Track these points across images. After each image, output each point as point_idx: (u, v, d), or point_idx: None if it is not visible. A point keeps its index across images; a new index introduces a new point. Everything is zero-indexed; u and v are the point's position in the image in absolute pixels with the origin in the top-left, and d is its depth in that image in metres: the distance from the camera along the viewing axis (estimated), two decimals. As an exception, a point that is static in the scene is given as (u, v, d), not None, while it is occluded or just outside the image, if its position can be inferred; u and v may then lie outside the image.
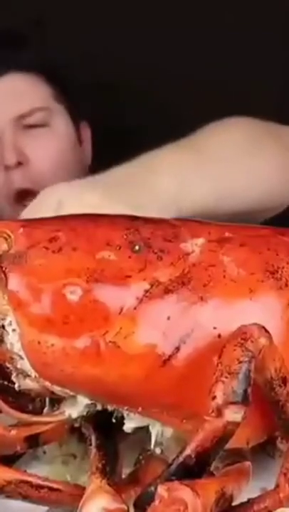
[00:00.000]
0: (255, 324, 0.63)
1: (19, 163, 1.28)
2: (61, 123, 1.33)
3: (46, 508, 0.67)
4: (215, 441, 0.59)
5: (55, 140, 1.32)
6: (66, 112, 1.34)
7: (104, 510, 0.60)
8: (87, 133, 1.41)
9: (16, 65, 1.31)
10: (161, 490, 0.57)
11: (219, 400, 0.60)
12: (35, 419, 0.69)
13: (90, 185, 0.91)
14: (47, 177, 1.25)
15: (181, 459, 0.60)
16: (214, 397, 0.60)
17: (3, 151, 1.28)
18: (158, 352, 0.65)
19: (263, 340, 0.62)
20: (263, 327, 0.63)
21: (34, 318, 0.66)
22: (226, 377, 0.60)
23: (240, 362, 0.60)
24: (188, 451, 0.59)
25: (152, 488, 0.59)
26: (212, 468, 0.62)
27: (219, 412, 0.59)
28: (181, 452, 0.60)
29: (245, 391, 0.60)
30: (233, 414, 0.59)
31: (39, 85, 1.33)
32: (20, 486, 0.65)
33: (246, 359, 0.61)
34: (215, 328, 0.65)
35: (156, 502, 0.57)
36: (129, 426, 0.68)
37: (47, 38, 1.41)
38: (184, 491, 0.57)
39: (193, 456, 0.59)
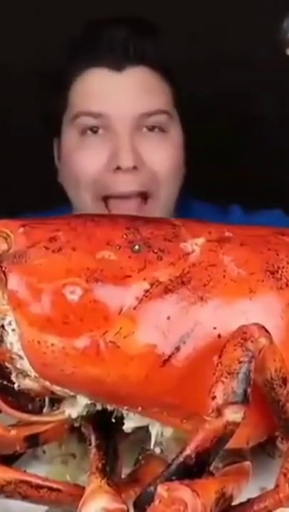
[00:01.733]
0: (255, 324, 0.63)
1: (134, 167, 1.19)
2: (177, 130, 1.26)
3: (46, 507, 0.67)
4: (215, 441, 0.59)
5: (171, 147, 1.24)
6: (179, 120, 1.27)
7: (103, 510, 0.60)
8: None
9: (149, 60, 1.22)
10: (161, 490, 0.57)
11: (219, 400, 0.60)
12: (34, 418, 0.69)
13: None
14: (160, 182, 1.21)
15: (181, 458, 0.59)
16: (214, 397, 0.60)
17: (119, 150, 1.19)
18: (158, 352, 0.65)
19: (263, 340, 0.62)
20: (263, 327, 0.63)
21: (34, 318, 0.66)
22: (226, 377, 0.60)
23: (240, 362, 0.60)
24: (188, 451, 0.59)
25: (152, 488, 0.59)
26: (212, 468, 0.62)
27: (219, 412, 0.59)
28: (181, 452, 0.60)
29: (245, 391, 0.60)
30: (233, 414, 0.59)
31: (164, 85, 1.24)
32: (20, 485, 0.64)
33: (246, 359, 0.61)
34: (215, 328, 0.65)
35: (156, 502, 0.57)
36: (128, 426, 0.68)
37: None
38: (183, 491, 0.57)
39: (193, 456, 0.59)
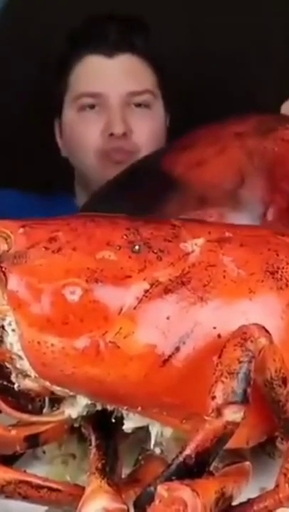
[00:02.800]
0: (255, 324, 0.63)
1: (124, 134, 1.47)
2: (160, 107, 1.53)
3: (46, 508, 0.67)
4: (215, 441, 0.59)
5: (154, 121, 1.52)
6: (162, 99, 1.53)
7: (104, 510, 0.60)
8: (167, 123, 1.58)
9: (133, 48, 1.50)
10: (161, 490, 0.57)
11: (219, 400, 0.60)
12: (34, 419, 0.69)
13: None
14: (143, 147, 1.46)
15: (180, 458, 0.59)
16: (214, 397, 0.60)
17: (112, 121, 1.47)
18: (158, 352, 0.65)
19: (263, 341, 0.62)
20: (263, 327, 0.63)
21: (34, 318, 0.66)
22: (226, 377, 0.60)
23: (240, 362, 0.60)
24: (188, 451, 0.59)
25: (152, 488, 0.59)
26: (212, 468, 0.62)
27: (219, 412, 0.59)
28: (180, 452, 0.60)
29: (245, 391, 0.60)
30: (233, 414, 0.59)
31: (148, 70, 1.52)
32: (20, 486, 0.64)
33: (246, 359, 0.61)
34: (215, 328, 0.65)
35: (156, 502, 0.57)
36: (128, 426, 0.68)
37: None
38: (183, 491, 0.57)
39: (193, 456, 0.59)
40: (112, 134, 1.47)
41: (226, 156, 0.92)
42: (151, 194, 0.90)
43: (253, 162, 0.90)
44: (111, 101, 1.48)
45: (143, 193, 0.92)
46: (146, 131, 1.50)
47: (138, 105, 1.50)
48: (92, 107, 1.50)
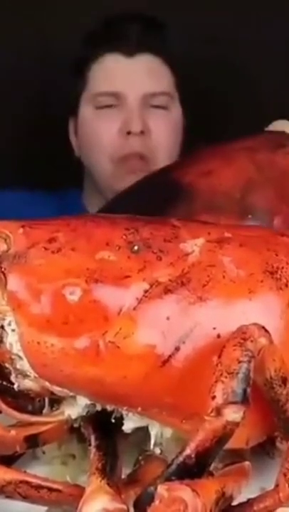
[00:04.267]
0: (255, 324, 0.63)
1: (142, 132, 1.47)
2: (177, 109, 1.54)
3: (46, 508, 0.67)
4: (215, 441, 0.59)
5: (171, 122, 1.52)
6: (179, 101, 1.54)
7: (104, 510, 0.60)
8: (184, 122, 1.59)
9: (154, 48, 1.51)
10: (161, 490, 0.57)
11: (219, 400, 0.60)
12: (34, 419, 0.69)
13: None
14: (160, 148, 1.48)
15: (180, 459, 0.59)
16: (214, 397, 0.60)
17: (130, 119, 1.47)
18: (157, 352, 0.65)
19: (262, 341, 0.62)
20: (263, 327, 0.63)
21: (34, 318, 0.66)
22: (226, 377, 0.60)
23: (239, 362, 0.61)
24: (188, 451, 0.59)
25: (152, 488, 0.59)
26: (211, 468, 0.62)
27: (219, 412, 0.59)
28: (180, 452, 0.60)
29: (245, 391, 0.60)
30: (233, 414, 0.59)
31: (166, 71, 1.52)
32: (20, 486, 0.64)
33: (246, 359, 0.61)
34: (214, 328, 0.65)
35: (156, 502, 0.57)
36: (128, 426, 0.68)
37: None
38: (184, 491, 0.57)
39: (193, 456, 0.59)
40: (129, 133, 1.47)
41: (234, 166, 0.92)
42: (160, 204, 0.90)
43: (262, 172, 0.91)
44: (129, 100, 1.48)
45: (151, 202, 0.92)
46: (163, 132, 1.49)
47: (156, 106, 1.50)
48: (109, 106, 1.50)
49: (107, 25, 1.53)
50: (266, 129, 1.04)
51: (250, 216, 0.87)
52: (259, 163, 0.91)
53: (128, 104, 1.48)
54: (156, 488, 0.57)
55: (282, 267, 0.69)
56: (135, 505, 0.61)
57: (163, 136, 1.49)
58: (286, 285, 0.68)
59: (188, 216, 0.84)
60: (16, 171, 1.76)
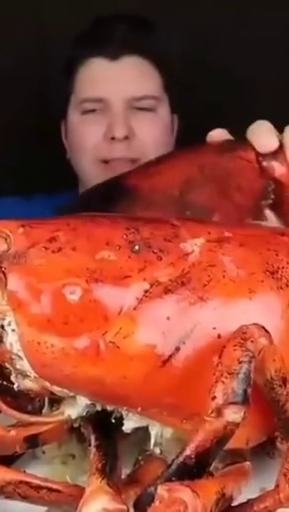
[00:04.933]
0: (255, 324, 0.63)
1: (126, 137, 1.45)
2: (165, 111, 1.51)
3: (45, 508, 0.67)
4: (215, 441, 0.59)
5: (158, 124, 1.49)
6: (168, 102, 1.52)
7: (104, 510, 0.60)
8: (175, 125, 1.57)
9: (139, 49, 1.47)
10: (161, 490, 0.57)
11: (219, 400, 0.60)
12: (34, 419, 0.69)
13: None
14: (147, 151, 1.44)
15: (181, 459, 0.59)
16: (214, 398, 0.60)
17: (114, 124, 1.45)
18: (158, 352, 0.64)
19: (263, 341, 0.62)
20: (263, 327, 0.63)
21: (34, 318, 0.66)
22: (226, 378, 0.60)
23: (240, 362, 0.60)
24: (188, 451, 0.59)
25: (152, 489, 0.59)
26: (212, 468, 0.62)
27: (219, 413, 0.59)
28: (181, 453, 0.60)
29: (245, 391, 0.60)
30: (233, 414, 0.59)
31: (154, 73, 1.49)
32: (20, 486, 0.64)
33: (246, 359, 0.61)
34: (215, 328, 0.65)
35: (156, 502, 0.57)
36: (128, 426, 0.68)
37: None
38: (184, 492, 0.57)
39: (193, 456, 0.59)
40: (113, 138, 1.45)
41: (178, 168, 0.95)
42: (104, 202, 0.93)
43: (204, 172, 0.93)
44: (114, 105, 1.46)
45: (98, 201, 0.96)
46: (150, 135, 1.47)
47: (141, 109, 1.48)
48: (94, 110, 1.48)
49: (94, 27, 1.51)
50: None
51: (188, 212, 0.89)
52: (202, 165, 0.94)
53: (112, 109, 1.46)
54: (156, 489, 0.57)
55: (283, 267, 0.69)
56: (135, 506, 0.61)
57: (150, 138, 1.47)
58: (286, 285, 0.68)
59: (127, 213, 0.86)
60: (12, 172, 1.76)
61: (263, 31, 1.75)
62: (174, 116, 1.54)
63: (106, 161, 1.47)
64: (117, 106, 1.46)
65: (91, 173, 1.48)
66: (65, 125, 1.56)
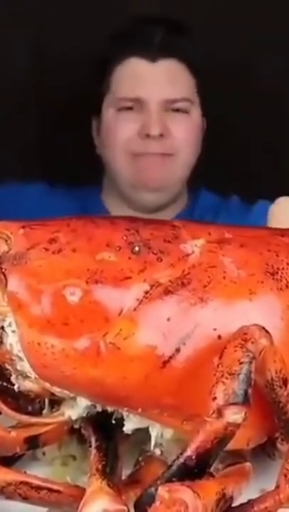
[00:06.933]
0: (255, 325, 0.63)
1: (161, 135, 1.49)
2: (197, 113, 1.55)
3: (46, 509, 0.67)
4: (215, 442, 0.59)
5: (191, 126, 1.54)
6: (200, 105, 1.56)
7: (104, 511, 0.60)
8: (204, 126, 1.61)
9: (177, 53, 1.51)
10: (162, 491, 0.57)
11: (220, 401, 0.60)
12: (34, 420, 0.69)
13: None
14: (180, 150, 1.50)
15: (181, 460, 0.59)
16: (215, 398, 0.60)
17: (149, 123, 1.48)
18: (158, 353, 0.65)
19: (263, 341, 0.62)
20: (264, 328, 0.63)
21: (34, 319, 0.66)
22: (227, 378, 0.60)
23: (240, 363, 0.60)
24: (188, 452, 0.59)
25: (153, 489, 0.59)
26: (212, 469, 0.62)
27: (220, 413, 0.59)
28: (181, 453, 0.60)
29: (246, 392, 0.60)
30: (234, 415, 0.59)
31: (189, 76, 1.53)
32: (20, 487, 0.64)
33: (247, 360, 0.61)
34: (215, 329, 0.65)
35: (157, 503, 0.57)
36: (128, 427, 0.68)
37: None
38: (184, 492, 0.57)
39: (193, 457, 0.59)
40: (148, 135, 1.49)
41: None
42: None
43: None
44: (149, 105, 1.49)
45: None
46: (183, 135, 1.51)
47: (176, 110, 1.52)
48: (130, 108, 1.51)
49: (133, 28, 1.54)
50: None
51: None
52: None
53: (148, 109, 1.50)
54: (156, 489, 0.57)
55: (283, 268, 0.69)
56: (136, 506, 0.61)
57: (184, 139, 1.51)
58: (287, 286, 0.68)
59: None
60: (39, 165, 1.80)
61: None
62: (203, 120, 1.58)
63: (139, 154, 1.51)
64: (153, 106, 1.49)
65: (124, 166, 1.52)
66: (97, 122, 1.59)
